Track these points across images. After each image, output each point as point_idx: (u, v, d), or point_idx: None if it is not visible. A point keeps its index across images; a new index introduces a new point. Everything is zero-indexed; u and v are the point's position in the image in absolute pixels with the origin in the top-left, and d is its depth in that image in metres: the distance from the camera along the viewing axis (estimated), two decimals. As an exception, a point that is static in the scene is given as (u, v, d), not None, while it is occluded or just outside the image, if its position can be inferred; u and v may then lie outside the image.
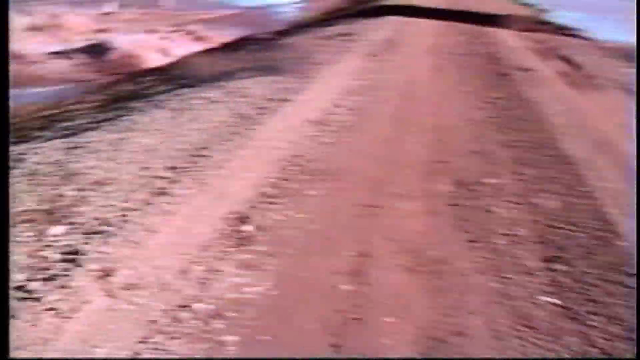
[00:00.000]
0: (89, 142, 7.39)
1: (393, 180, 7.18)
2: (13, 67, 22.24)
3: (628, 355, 4.43)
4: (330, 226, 5.87)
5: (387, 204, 6.49)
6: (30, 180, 6.03)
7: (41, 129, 11.30)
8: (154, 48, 25.13)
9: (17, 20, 30.58)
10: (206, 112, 9.11)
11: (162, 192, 5.92)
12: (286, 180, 6.76)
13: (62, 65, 23.12)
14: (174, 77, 15.69)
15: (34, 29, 29.81)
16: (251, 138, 7.92)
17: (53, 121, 12.28)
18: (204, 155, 7.06)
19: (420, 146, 8.45)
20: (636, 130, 9.42)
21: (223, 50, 20.84)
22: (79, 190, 5.80)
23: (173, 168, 6.60)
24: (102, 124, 8.96)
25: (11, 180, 6.05)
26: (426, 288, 4.94)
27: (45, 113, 14.12)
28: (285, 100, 10.06)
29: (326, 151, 7.89)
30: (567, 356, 4.33)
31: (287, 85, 11.32)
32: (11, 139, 11.08)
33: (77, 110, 13.35)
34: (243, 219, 5.78)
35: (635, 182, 7.26)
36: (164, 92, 12.53)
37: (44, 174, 6.19)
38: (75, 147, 7.17)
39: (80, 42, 27.72)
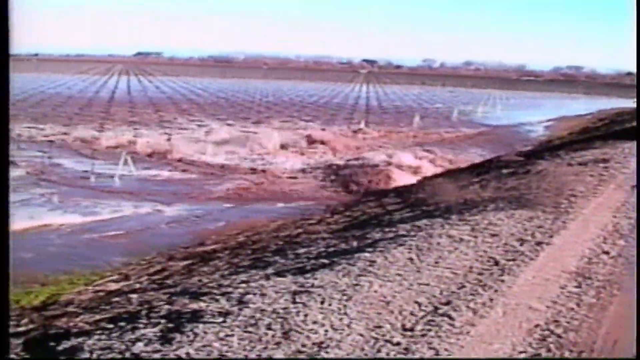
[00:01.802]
0: (318, 286, 6.76)
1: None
2: (258, 184, 23.10)
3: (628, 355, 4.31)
4: None
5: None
6: (247, 332, 5.43)
7: (276, 252, 11.08)
8: (400, 167, 24.97)
9: (271, 137, 32.24)
10: (451, 254, 8.22)
11: (390, 367, 5.03)
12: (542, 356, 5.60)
13: (309, 182, 23.57)
14: (418, 202, 15.10)
15: (285, 146, 31.13)
16: (501, 293, 6.86)
17: (290, 244, 12.08)
18: (445, 315, 6.10)
19: None
20: (636, 133, 8.16)
21: (469, 172, 20.07)
22: (295, 353, 5.08)
23: (409, 330, 5.72)
24: (336, 259, 8.39)
25: (226, 329, 5.52)
26: None
27: (285, 233, 14.07)
28: (540, 243, 8.91)
29: (589, 316, 6.61)
30: None
31: (540, 222, 10.18)
32: (247, 261, 11.04)
33: (316, 232, 13.11)
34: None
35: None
36: (406, 220, 11.90)
37: (262, 326, 5.57)
38: (302, 292, 6.55)
39: (326, 160, 28.43)
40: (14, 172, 21.72)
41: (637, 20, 9.40)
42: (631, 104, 71.08)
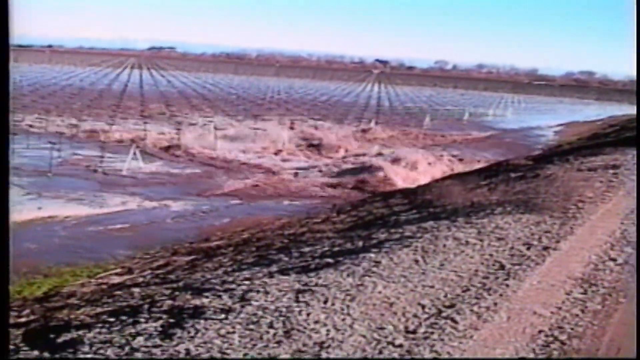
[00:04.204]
0: (321, 285, 6.71)
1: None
2: (265, 181, 23.07)
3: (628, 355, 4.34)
4: None
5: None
6: (248, 330, 5.39)
7: (280, 250, 11.03)
8: (406, 168, 24.88)
9: (281, 135, 32.22)
10: (456, 257, 8.16)
11: (394, 370, 4.97)
12: (545, 361, 5.54)
13: (315, 181, 23.52)
14: (425, 203, 15.01)
15: (294, 144, 31.10)
16: (506, 297, 6.79)
17: (294, 242, 12.02)
18: (449, 318, 6.04)
19: None
20: (636, 133, 8.01)
21: (477, 175, 19.96)
22: (296, 352, 5.03)
23: (411, 332, 5.66)
24: (341, 258, 8.34)
25: (228, 326, 5.48)
26: None
27: (290, 231, 14.02)
28: (546, 248, 8.83)
29: (593, 323, 6.53)
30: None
31: (547, 227, 10.09)
32: (251, 259, 10.99)
33: (322, 231, 13.05)
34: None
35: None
36: (412, 221, 11.83)
37: (264, 324, 5.53)
38: (306, 290, 6.50)
39: (334, 159, 28.39)
40: (22, 162, 21.76)
41: (637, 23, 9.30)
42: (643, 110, 70.66)
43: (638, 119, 26.19)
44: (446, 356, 5.28)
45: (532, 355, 5.60)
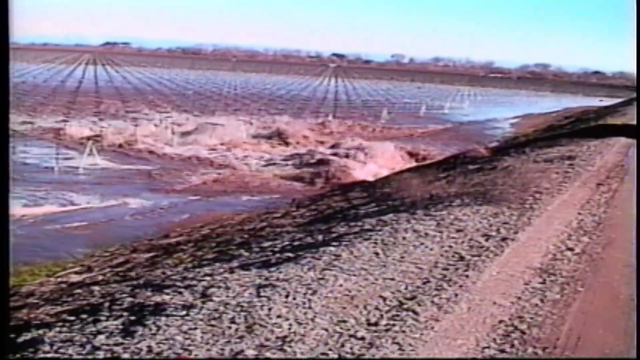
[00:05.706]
0: (282, 280, 6.72)
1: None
2: (224, 176, 22.96)
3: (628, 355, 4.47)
4: None
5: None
6: (210, 326, 5.37)
7: (241, 245, 11.01)
8: (365, 161, 24.97)
9: (238, 130, 32.08)
10: (416, 249, 8.22)
11: (357, 360, 5.00)
12: (504, 352, 5.61)
13: (275, 175, 23.49)
14: (384, 196, 15.12)
15: (251, 139, 31.01)
16: (466, 288, 6.86)
17: (255, 237, 12.01)
18: (410, 310, 6.09)
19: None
20: (637, 133, 8.23)
21: (435, 168, 20.15)
22: (259, 347, 5.03)
23: (373, 325, 5.69)
24: (301, 253, 8.35)
25: (189, 322, 5.46)
26: None
27: (250, 226, 14.00)
28: (505, 239, 8.94)
29: (553, 313, 6.63)
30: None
31: (505, 218, 10.21)
32: (211, 254, 10.95)
33: (281, 226, 13.06)
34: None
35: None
36: (372, 214, 11.89)
37: (226, 320, 5.52)
38: (267, 285, 6.50)
39: (292, 153, 28.35)
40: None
41: (637, 22, 9.43)
42: (597, 102, 72.22)
43: (638, 116, 26.53)
44: (409, 349, 5.32)
45: (493, 346, 5.67)
